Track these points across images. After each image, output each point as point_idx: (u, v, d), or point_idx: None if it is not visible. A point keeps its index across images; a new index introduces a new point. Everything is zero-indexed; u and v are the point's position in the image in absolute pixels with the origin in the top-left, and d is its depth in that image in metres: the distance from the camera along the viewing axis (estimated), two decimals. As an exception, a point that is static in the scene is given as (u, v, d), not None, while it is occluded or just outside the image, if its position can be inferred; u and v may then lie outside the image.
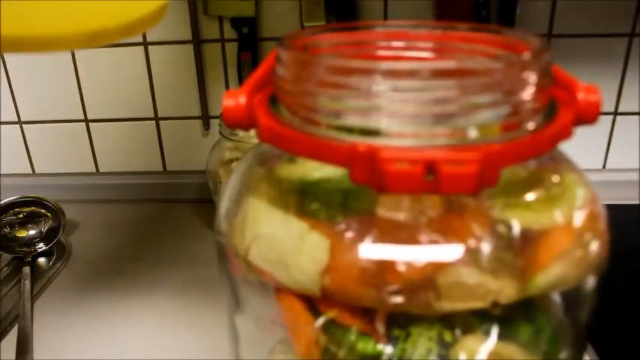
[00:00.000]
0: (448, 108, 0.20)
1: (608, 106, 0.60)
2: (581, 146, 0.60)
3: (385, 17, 0.59)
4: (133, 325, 0.46)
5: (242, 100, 0.23)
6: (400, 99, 0.20)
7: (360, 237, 0.21)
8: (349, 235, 0.22)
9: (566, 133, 0.22)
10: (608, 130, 0.62)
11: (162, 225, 0.62)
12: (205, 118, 0.65)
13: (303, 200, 0.24)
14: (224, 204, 0.27)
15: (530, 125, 0.21)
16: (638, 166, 0.63)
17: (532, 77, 0.21)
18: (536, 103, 0.21)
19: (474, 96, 0.20)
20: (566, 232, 0.23)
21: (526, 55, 0.21)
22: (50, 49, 0.27)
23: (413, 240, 0.21)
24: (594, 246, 0.24)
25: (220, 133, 0.55)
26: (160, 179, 0.68)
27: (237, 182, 0.27)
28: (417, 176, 0.18)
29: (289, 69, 0.22)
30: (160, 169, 0.69)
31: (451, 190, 0.18)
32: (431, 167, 0.18)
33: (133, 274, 0.52)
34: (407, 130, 0.20)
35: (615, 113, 0.61)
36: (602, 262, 0.25)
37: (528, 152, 0.20)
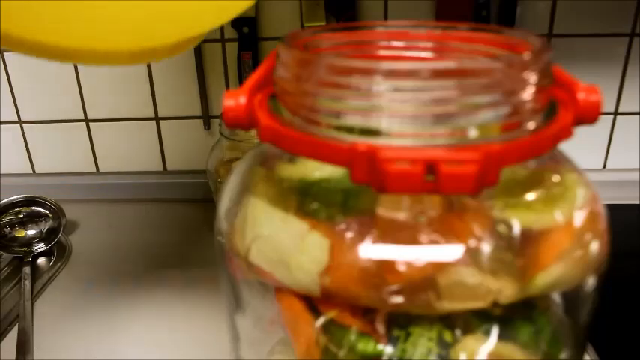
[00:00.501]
0: (448, 108, 0.20)
1: (609, 106, 0.60)
2: (582, 146, 0.60)
3: (385, 17, 0.59)
4: (133, 324, 0.46)
5: (242, 99, 0.23)
6: (400, 99, 0.20)
7: (360, 237, 0.21)
8: (349, 235, 0.22)
9: (566, 133, 0.22)
10: (609, 130, 0.62)
11: (163, 225, 0.62)
12: (206, 118, 0.65)
13: (304, 200, 0.24)
14: (224, 204, 0.27)
15: (531, 125, 0.21)
16: (638, 166, 0.63)
17: (532, 77, 0.21)
18: (536, 103, 0.21)
19: (474, 96, 0.20)
20: (566, 232, 0.23)
21: (526, 55, 0.21)
22: (96, 63, 0.27)
23: (413, 240, 0.21)
24: (594, 246, 0.24)
25: (220, 133, 0.55)
26: (160, 179, 0.68)
27: (238, 182, 0.27)
28: (417, 176, 0.18)
29: (289, 69, 0.22)
30: (161, 169, 0.69)
31: (451, 190, 0.18)
32: (431, 167, 0.18)
33: (133, 274, 0.52)
34: (407, 130, 0.20)
35: (615, 113, 0.61)
36: (602, 262, 0.25)
37: (528, 152, 0.20)
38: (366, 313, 0.23)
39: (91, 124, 0.67)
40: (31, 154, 0.69)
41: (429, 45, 0.27)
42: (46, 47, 0.24)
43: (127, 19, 0.25)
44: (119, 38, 0.25)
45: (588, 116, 0.23)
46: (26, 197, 0.58)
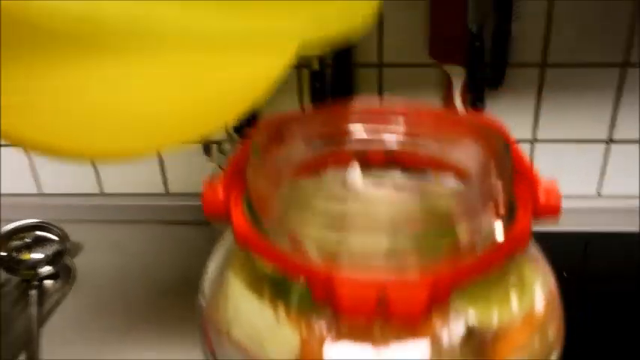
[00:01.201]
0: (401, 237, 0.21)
1: (602, 133, 0.60)
2: (576, 173, 0.60)
3: (380, 52, 0.58)
4: (138, 347, 0.47)
5: (220, 194, 0.24)
6: (361, 222, 0.21)
7: (326, 334, 0.23)
8: (317, 332, 0.23)
9: (521, 245, 0.23)
10: (602, 158, 0.62)
11: (166, 246, 0.63)
12: (205, 145, 0.64)
13: (277, 290, 0.25)
14: (210, 272, 0.29)
15: (485, 242, 0.22)
16: (634, 193, 0.62)
17: (491, 205, 0.22)
18: (492, 220, 0.22)
19: (432, 225, 0.21)
20: (525, 325, 0.24)
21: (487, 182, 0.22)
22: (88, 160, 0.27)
23: (375, 339, 0.22)
24: (552, 333, 0.25)
25: (218, 164, 0.56)
26: (163, 201, 0.69)
27: (223, 252, 0.29)
28: (369, 301, 0.19)
29: (257, 180, 0.23)
30: (163, 191, 0.70)
31: (402, 314, 0.19)
32: (382, 293, 0.19)
33: (137, 297, 0.54)
34: (365, 254, 0.21)
35: (609, 141, 0.60)
36: (560, 343, 0.26)
37: (480, 271, 0.21)
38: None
39: (95, 144, 0.68)
40: (36, 174, 0.70)
41: (400, 129, 0.28)
42: (49, 147, 0.25)
43: (130, 128, 0.25)
44: (119, 145, 0.26)
45: (549, 217, 0.24)
46: (32, 222, 0.59)
